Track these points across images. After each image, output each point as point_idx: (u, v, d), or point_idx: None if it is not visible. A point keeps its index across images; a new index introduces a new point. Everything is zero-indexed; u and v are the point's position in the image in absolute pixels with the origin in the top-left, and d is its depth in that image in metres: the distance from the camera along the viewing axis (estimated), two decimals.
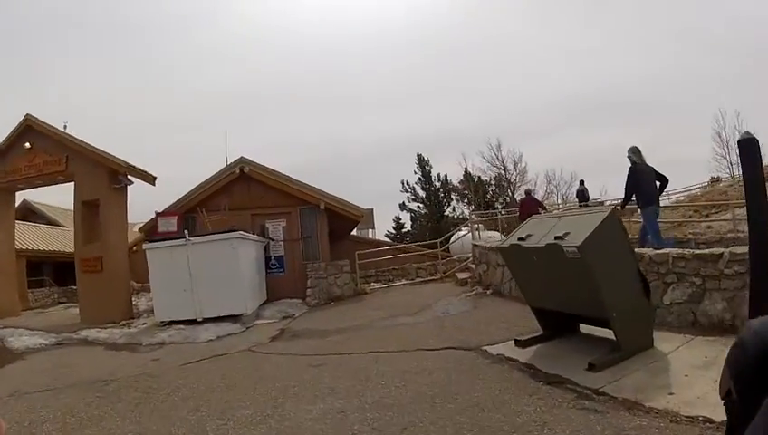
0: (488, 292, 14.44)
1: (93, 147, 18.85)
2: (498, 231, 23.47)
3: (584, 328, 8.31)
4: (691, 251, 8.49)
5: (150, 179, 19.26)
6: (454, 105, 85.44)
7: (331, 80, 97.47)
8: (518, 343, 8.17)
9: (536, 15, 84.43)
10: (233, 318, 14.66)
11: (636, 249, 8.78)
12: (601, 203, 31.06)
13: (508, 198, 49.92)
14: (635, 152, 11.59)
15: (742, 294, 7.23)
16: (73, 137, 19.55)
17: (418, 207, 54.44)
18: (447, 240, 25.15)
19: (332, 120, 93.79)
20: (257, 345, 11.57)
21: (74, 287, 21.68)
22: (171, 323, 15.03)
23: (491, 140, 54.57)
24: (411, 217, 54.91)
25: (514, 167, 52.06)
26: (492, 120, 76.08)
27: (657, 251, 9.02)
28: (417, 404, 6.25)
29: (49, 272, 30.36)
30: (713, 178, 37.13)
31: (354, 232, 27.37)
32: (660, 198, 12.66)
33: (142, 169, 18.99)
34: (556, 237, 7.09)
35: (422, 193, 54.30)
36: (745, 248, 6.78)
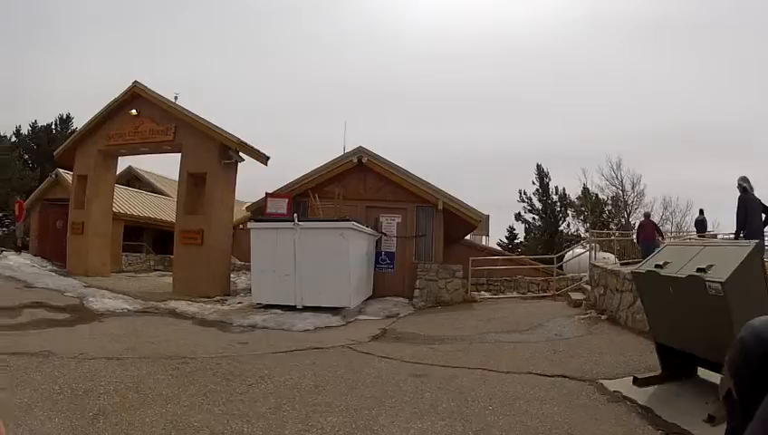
0: (603, 317, 13.66)
1: (204, 120, 19.23)
2: (612, 253, 22.47)
3: (702, 372, 7.65)
4: None
5: (263, 159, 19.48)
6: (570, 118, 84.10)
7: (449, 83, 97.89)
8: (636, 381, 7.56)
9: (654, 41, 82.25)
10: (334, 310, 14.47)
11: None
12: (714, 235, 29.58)
13: (623, 220, 48.32)
14: (745, 181, 11.24)
15: None
16: (183, 108, 20.08)
17: (533, 218, 53.45)
18: (562, 256, 24.32)
19: (447, 123, 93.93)
20: (356, 343, 11.00)
21: (171, 256, 22.27)
22: (268, 306, 14.96)
23: (611, 158, 52.96)
24: (525, 228, 53.88)
25: (632, 188, 50.29)
26: (610, 138, 74.16)
27: None
28: None
29: (148, 238, 31.29)
30: None
31: (467, 237, 26.77)
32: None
33: (255, 147, 19.20)
34: (698, 269, 6.46)
35: (539, 205, 53.21)
36: None
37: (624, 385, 7.55)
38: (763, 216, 11.32)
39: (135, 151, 23.38)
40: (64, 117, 50.39)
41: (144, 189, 34.48)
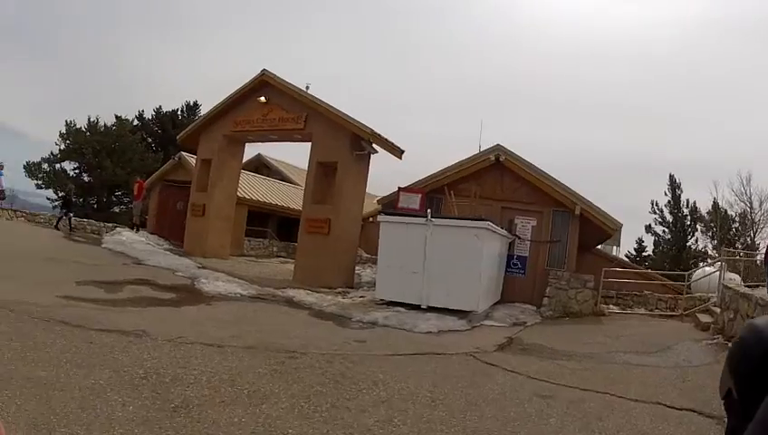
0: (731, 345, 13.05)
1: (337, 109, 19.50)
2: (738, 274, 21.62)
3: None
4: None
5: (397, 152, 19.67)
6: (704, 127, 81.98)
7: (582, 84, 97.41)
8: None
9: None
10: (459, 313, 14.02)
11: None
12: None
13: (749, 239, 46.39)
14: None
15: None
16: (315, 97, 20.40)
17: (663, 231, 51.72)
18: (691, 274, 23.56)
19: (578, 125, 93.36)
20: (480, 352, 10.51)
21: (295, 244, 22.73)
22: (391, 303, 14.82)
23: (742, 172, 50.85)
24: (654, 241, 52.25)
25: (760, 206, 48.18)
26: (744, 151, 71.50)
27: None
28: None
29: (273, 225, 32.05)
30: None
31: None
32: None
33: (389, 140, 19.34)
34: None
35: (669, 217, 51.45)
36: None
37: None
38: None
39: (263, 138, 24.20)
40: (191, 104, 52.68)
41: (273, 177, 35.37)
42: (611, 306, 19.08)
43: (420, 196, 17.63)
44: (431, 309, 14.14)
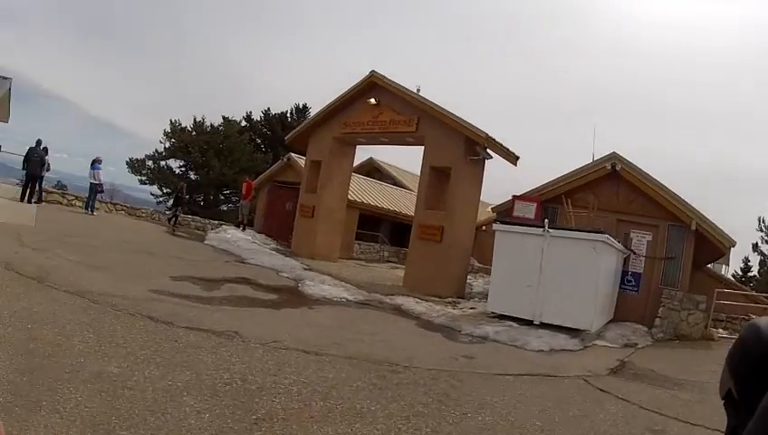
0: None
1: (450, 112, 19.48)
2: None
3: None
4: None
5: (512, 158, 19.63)
6: None
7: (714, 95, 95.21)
8: None
9: None
10: (571, 331, 13.70)
11: None
12: None
13: None
14: None
15: None
16: (427, 99, 20.42)
17: None
18: None
19: (689, 134, 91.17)
20: (592, 376, 10.15)
21: (406, 249, 23.06)
22: (502, 316, 14.58)
23: None
24: (760, 260, 50.17)
25: None
26: None
27: None
28: None
29: (385, 229, 32.28)
30: None
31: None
32: None
33: (504, 145, 19.27)
34: None
35: None
36: None
37: None
38: None
39: (374, 141, 24.57)
40: (301, 106, 54.19)
41: (385, 181, 35.73)
42: (720, 330, 18.32)
43: (536, 205, 17.58)
44: (543, 325, 13.92)
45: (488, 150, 19.11)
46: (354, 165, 27.63)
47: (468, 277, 20.28)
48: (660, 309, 16.79)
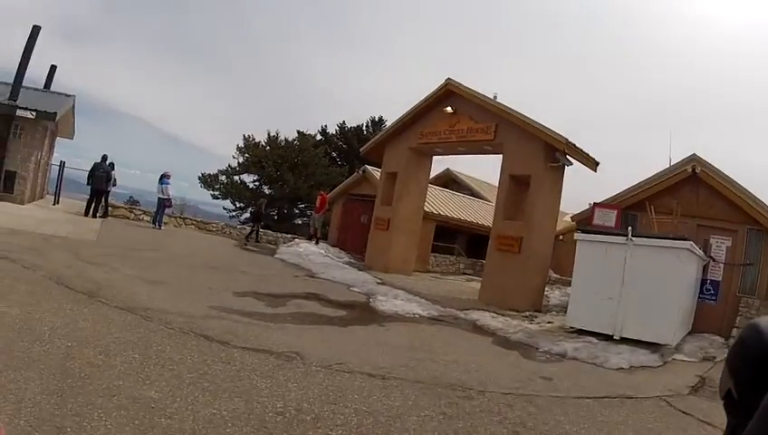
0: None
1: (529, 118, 19.36)
2: None
3: None
4: None
5: (592, 164, 19.36)
6: None
7: None
8: None
9: None
10: (650, 346, 13.26)
11: None
12: None
13: None
14: None
15: None
16: (505, 105, 20.37)
17: None
18: None
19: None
20: (673, 395, 9.72)
21: (482, 261, 22.98)
22: (581, 331, 14.32)
23: None
24: None
25: None
26: None
27: None
28: None
29: (461, 241, 32.26)
30: None
31: None
32: None
33: (584, 150, 19.05)
34: None
35: None
36: None
37: None
38: None
39: (451, 151, 24.57)
40: (376, 119, 55.25)
41: (461, 192, 35.77)
42: None
43: (616, 212, 17.23)
44: (623, 340, 13.56)
45: (568, 157, 18.90)
46: (431, 176, 27.66)
47: (546, 289, 20.03)
48: (738, 319, 16.32)
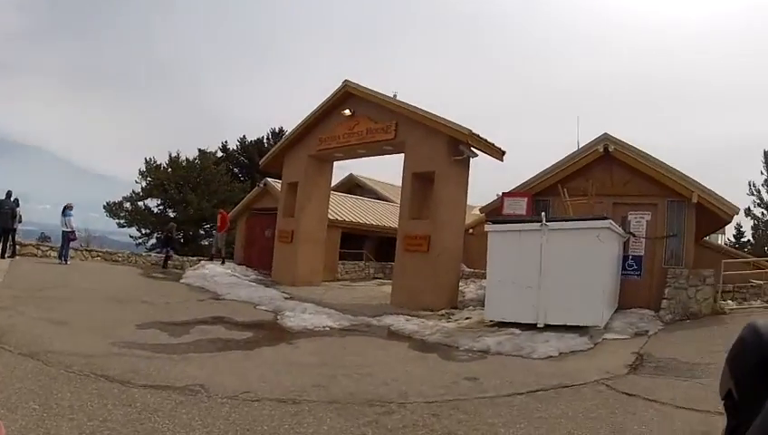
0: None
1: (429, 113, 18.42)
2: None
3: None
4: None
5: (498, 154, 18.49)
6: None
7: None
8: None
9: None
10: (578, 329, 12.70)
11: None
12: None
13: None
14: None
15: None
16: (404, 102, 19.41)
17: (762, 213, 48.69)
18: None
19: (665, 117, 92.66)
20: (611, 377, 9.21)
21: (392, 264, 21.62)
22: (502, 324, 13.57)
23: None
24: (752, 225, 49.32)
25: None
26: None
27: None
28: None
29: (370, 246, 31.43)
30: None
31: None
32: None
33: (489, 140, 18.13)
34: None
35: (767, 197, 48.43)
36: None
37: None
38: None
39: (352, 154, 23.36)
40: (277, 130, 53.34)
41: (366, 196, 35.00)
42: (729, 302, 17.52)
43: (526, 199, 16.74)
44: (548, 327, 12.90)
45: (472, 148, 18.04)
46: (333, 183, 27.05)
47: (460, 284, 19.16)
48: (666, 290, 16.02)
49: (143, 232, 46.87)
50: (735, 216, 18.03)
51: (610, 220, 13.81)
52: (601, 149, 17.32)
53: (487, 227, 14.75)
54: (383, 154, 22.23)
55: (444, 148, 17.89)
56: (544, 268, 13.22)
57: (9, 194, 22.11)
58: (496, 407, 7.40)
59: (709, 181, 16.26)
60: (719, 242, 30.07)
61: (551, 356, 10.99)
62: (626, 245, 17.26)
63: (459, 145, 17.83)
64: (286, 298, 17.80)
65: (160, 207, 47.22)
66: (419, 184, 18.88)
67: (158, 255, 29.28)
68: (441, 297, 17.32)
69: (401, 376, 9.05)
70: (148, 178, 46.01)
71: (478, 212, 22.51)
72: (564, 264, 13.05)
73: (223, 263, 25.88)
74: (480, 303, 15.84)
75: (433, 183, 18.20)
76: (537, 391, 8.31)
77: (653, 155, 17.09)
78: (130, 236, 47.96)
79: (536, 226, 13.47)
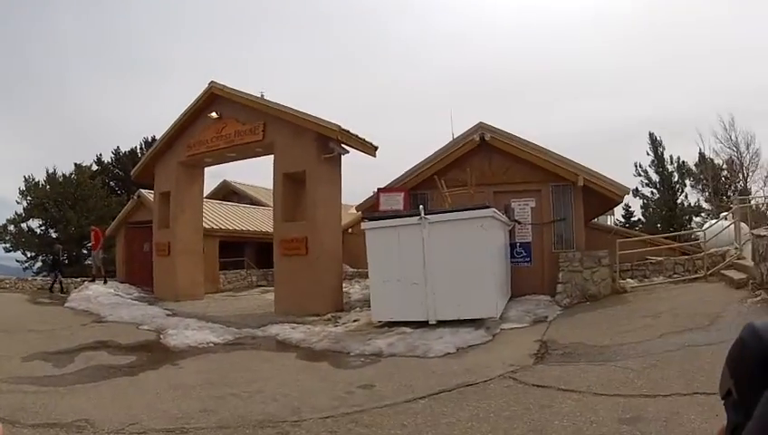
0: None
1: (297, 110, 17.27)
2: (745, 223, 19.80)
3: None
4: None
5: (370, 149, 17.57)
6: (681, 85, 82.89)
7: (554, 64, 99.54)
8: None
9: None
10: (473, 323, 11.87)
11: None
12: None
13: (740, 185, 44.58)
14: None
15: None
16: (271, 102, 18.20)
17: (651, 193, 49.73)
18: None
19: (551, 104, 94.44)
20: (518, 369, 8.43)
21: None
22: (392, 323, 12.57)
23: (723, 117, 48.97)
24: (642, 203, 50.23)
25: (747, 148, 46.40)
26: (722, 96, 70.76)
27: None
28: None
29: (250, 253, 30.33)
30: None
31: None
32: None
33: (360, 136, 17.16)
34: None
35: (655, 177, 49.72)
36: None
37: None
38: None
39: (221, 159, 21.76)
40: (150, 139, 49.48)
41: (243, 202, 33.98)
42: (629, 280, 17.22)
43: (403, 194, 15.79)
44: (441, 323, 12.04)
45: (343, 145, 17.01)
46: (208, 191, 26.13)
47: (344, 286, 18.17)
48: (560, 274, 15.43)
49: (28, 256, 43.74)
50: (627, 195, 17.85)
51: (493, 209, 13.07)
52: (477, 138, 16.50)
53: (364, 225, 13.83)
54: (254, 156, 20.91)
55: (314, 146, 16.80)
56: (428, 263, 12.34)
57: None
58: (398, 416, 6.67)
59: (597, 164, 15.80)
60: (608, 223, 30.06)
61: (448, 353, 10.18)
62: (512, 232, 16.52)
63: (329, 142, 16.77)
64: (168, 315, 16.54)
65: (42, 228, 43.83)
66: (291, 185, 17.75)
67: (45, 279, 27.12)
68: (325, 301, 16.21)
69: (292, 390, 8.22)
70: (29, 198, 42.67)
71: (355, 211, 21.51)
72: (449, 257, 12.21)
73: (105, 282, 23.83)
74: (366, 303, 14.94)
75: (305, 183, 17.11)
76: (439, 392, 7.53)
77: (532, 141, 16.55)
78: (17, 261, 44.85)
79: (415, 219, 12.52)
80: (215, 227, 25.54)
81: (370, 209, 16.85)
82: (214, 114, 19.76)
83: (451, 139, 17.77)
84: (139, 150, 48.90)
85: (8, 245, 43.27)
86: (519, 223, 16.60)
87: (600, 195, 16.59)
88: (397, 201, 15.48)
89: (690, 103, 76.41)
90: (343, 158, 17.68)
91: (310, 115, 16.82)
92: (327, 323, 14.38)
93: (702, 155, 47.01)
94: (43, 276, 27.04)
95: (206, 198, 25.56)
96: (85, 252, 44.38)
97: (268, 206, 30.86)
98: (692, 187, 49.29)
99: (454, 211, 12.98)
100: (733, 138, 45.86)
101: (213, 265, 24.92)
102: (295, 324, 14.05)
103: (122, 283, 24.56)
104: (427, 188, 16.64)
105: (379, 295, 13.04)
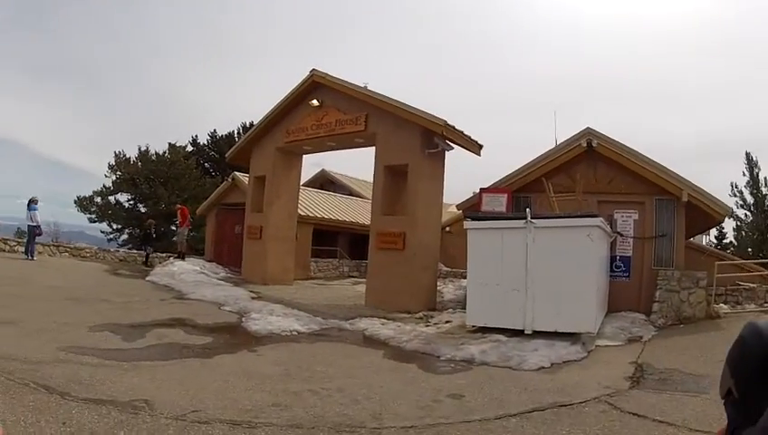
0: None
1: (403, 103, 16.99)
2: None
3: None
4: None
5: (475, 148, 17.22)
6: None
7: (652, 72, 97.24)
8: None
9: None
10: (569, 336, 11.32)
11: None
12: None
13: None
14: None
15: None
16: (375, 92, 17.98)
17: (745, 215, 47.79)
18: None
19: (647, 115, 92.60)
20: (614, 393, 7.89)
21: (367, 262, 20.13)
22: (486, 329, 12.11)
23: None
24: (735, 226, 48.32)
25: None
26: None
27: None
28: None
29: (343, 243, 30.42)
30: None
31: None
32: None
33: (465, 133, 16.78)
34: None
35: (750, 199, 47.58)
36: None
37: None
38: None
39: (321, 147, 21.77)
40: (248, 124, 50.28)
41: (339, 193, 33.95)
42: (722, 305, 16.33)
43: (506, 196, 15.33)
44: (536, 334, 11.50)
45: (448, 141, 16.63)
46: (306, 179, 26.27)
47: (438, 285, 17.75)
48: (657, 292, 14.65)
49: (114, 227, 45.00)
50: (728, 216, 17.36)
51: (601, 218, 12.51)
52: (584, 144, 16.00)
53: (467, 224, 13.21)
54: (354, 147, 20.80)
55: (417, 140, 16.50)
56: (531, 269, 11.77)
57: None
58: (485, 432, 6.12)
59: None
60: (703, 243, 29.11)
61: (542, 367, 9.62)
62: (613, 245, 15.91)
63: (434, 137, 16.45)
64: (253, 298, 16.40)
65: (131, 202, 45.20)
66: (392, 178, 17.52)
67: (130, 251, 28.37)
68: (418, 299, 15.94)
69: (375, 392, 7.68)
70: (118, 173, 44.02)
71: (455, 209, 21.03)
72: (552, 265, 11.62)
73: (183, 259, 24.54)
74: (459, 304, 14.81)
75: (406, 177, 16.84)
76: (532, 411, 6.99)
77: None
78: (101, 232, 46.17)
79: (521, 223, 12.03)
80: (309, 214, 25.71)
81: (471, 209, 16.42)
82: (315, 102, 19.76)
83: (554, 143, 17.21)
84: (236, 134, 49.73)
85: (93, 216, 44.58)
86: (621, 235, 15.96)
87: (701, 212, 15.80)
88: (500, 202, 15.10)
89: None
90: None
91: (415, 108, 16.51)
92: (418, 322, 14.03)
93: None
94: (128, 249, 27.55)
95: (303, 185, 25.64)
96: (173, 229, 45.62)
97: (364, 197, 31.17)
98: None
99: (561, 217, 12.47)
100: None
101: (305, 252, 25.12)
102: (385, 320, 13.81)
103: (210, 261, 25.03)
104: (529, 192, 16.31)
105: (476, 298, 12.58)
